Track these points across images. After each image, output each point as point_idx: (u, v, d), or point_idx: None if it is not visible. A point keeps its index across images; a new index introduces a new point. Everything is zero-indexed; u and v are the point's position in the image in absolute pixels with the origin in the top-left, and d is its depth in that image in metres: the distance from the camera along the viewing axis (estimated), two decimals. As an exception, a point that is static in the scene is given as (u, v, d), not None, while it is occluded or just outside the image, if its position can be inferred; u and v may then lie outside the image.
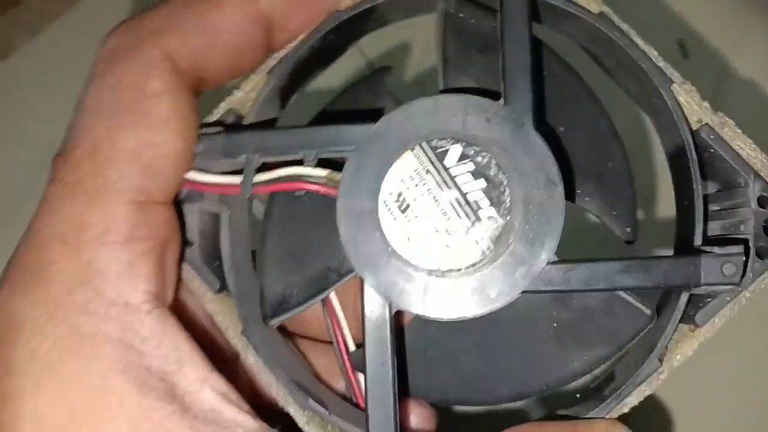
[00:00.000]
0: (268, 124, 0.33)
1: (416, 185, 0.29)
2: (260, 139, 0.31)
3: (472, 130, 0.29)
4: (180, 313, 0.32)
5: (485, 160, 0.29)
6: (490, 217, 0.29)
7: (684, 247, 0.31)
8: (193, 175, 0.31)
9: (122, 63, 0.30)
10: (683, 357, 0.30)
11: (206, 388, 0.29)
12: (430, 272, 0.29)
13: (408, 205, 0.29)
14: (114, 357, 0.28)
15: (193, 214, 0.33)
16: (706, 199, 0.30)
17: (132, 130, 0.29)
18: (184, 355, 0.29)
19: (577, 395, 0.34)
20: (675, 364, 0.30)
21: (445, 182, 0.29)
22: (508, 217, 0.29)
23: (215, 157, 0.31)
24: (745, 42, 0.54)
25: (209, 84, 0.32)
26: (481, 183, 0.29)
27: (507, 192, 0.29)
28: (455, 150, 0.29)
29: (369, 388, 0.30)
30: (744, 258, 0.28)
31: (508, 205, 0.29)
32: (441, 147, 0.29)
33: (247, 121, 0.33)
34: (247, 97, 0.34)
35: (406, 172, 0.29)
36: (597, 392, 0.32)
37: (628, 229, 0.33)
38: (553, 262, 0.28)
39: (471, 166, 0.29)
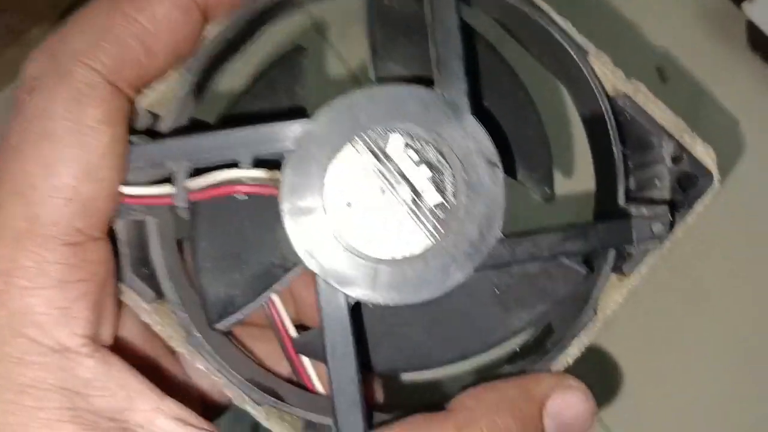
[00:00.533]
0: (195, 127, 0.31)
1: (361, 178, 0.29)
2: (190, 145, 0.30)
3: (411, 120, 0.29)
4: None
5: (427, 148, 0.29)
6: (436, 203, 0.30)
7: (607, 206, 0.33)
8: (121, 189, 0.30)
9: (49, 92, 0.26)
10: (615, 304, 0.33)
11: (160, 417, 0.28)
12: (382, 261, 0.30)
13: (354, 198, 0.29)
14: (60, 405, 0.26)
15: (119, 226, 0.31)
16: (626, 159, 0.33)
17: (68, 168, 0.26)
18: (133, 390, 0.28)
19: (518, 350, 0.36)
20: (608, 313, 0.33)
21: (389, 172, 0.29)
22: (454, 201, 0.30)
23: (142, 167, 0.30)
24: (722, 68, 0.57)
25: (148, 84, 0.30)
26: (425, 170, 0.30)
27: (450, 177, 0.30)
28: (396, 140, 0.29)
29: (333, 380, 0.30)
30: (670, 217, 0.31)
31: (452, 189, 0.30)
32: (382, 138, 0.29)
33: (165, 121, 0.32)
34: (162, 96, 0.32)
35: (348, 166, 0.29)
36: (538, 346, 0.35)
37: (547, 190, 0.35)
38: (501, 239, 0.30)
39: (413, 155, 0.29)
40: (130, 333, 0.34)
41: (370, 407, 0.31)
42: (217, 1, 0.30)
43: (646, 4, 0.59)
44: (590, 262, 0.34)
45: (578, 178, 0.46)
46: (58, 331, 0.26)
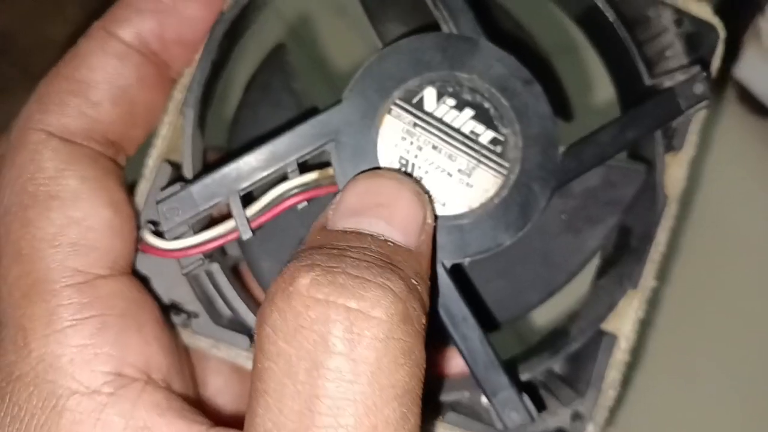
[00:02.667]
0: (227, 158, 0.30)
1: (411, 143, 0.28)
2: (233, 171, 0.28)
3: (435, 68, 0.28)
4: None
5: (460, 90, 0.29)
6: (491, 139, 0.29)
7: (633, 94, 0.33)
8: (175, 244, 0.28)
9: (12, 157, 0.27)
10: (679, 181, 0.33)
11: None
12: (463, 216, 0.29)
13: (413, 165, 0.28)
14: None
15: (184, 285, 0.30)
16: (637, 41, 0.32)
17: (45, 217, 0.27)
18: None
19: (599, 264, 0.36)
20: (677, 192, 0.33)
21: (435, 127, 0.28)
22: (506, 131, 0.29)
23: (189, 212, 0.28)
24: (714, 120, 0.57)
25: (131, 142, 0.30)
26: (468, 112, 0.29)
27: (493, 109, 0.29)
28: (429, 93, 0.28)
29: (465, 351, 0.29)
30: (705, 73, 0.30)
31: (500, 121, 0.29)
32: (415, 96, 0.28)
33: (186, 165, 0.30)
34: (170, 142, 0.30)
35: (394, 135, 0.28)
36: (623, 249, 0.34)
37: (566, 110, 0.35)
38: (565, 152, 0.29)
39: (451, 101, 0.28)
40: (226, 393, 0.32)
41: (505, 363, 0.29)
42: (158, 39, 0.29)
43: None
44: (636, 156, 0.34)
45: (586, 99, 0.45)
46: (80, 371, 0.26)
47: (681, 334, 0.48)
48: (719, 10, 0.32)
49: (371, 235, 0.25)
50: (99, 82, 0.28)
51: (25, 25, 0.49)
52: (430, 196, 0.28)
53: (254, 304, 0.32)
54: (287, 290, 0.23)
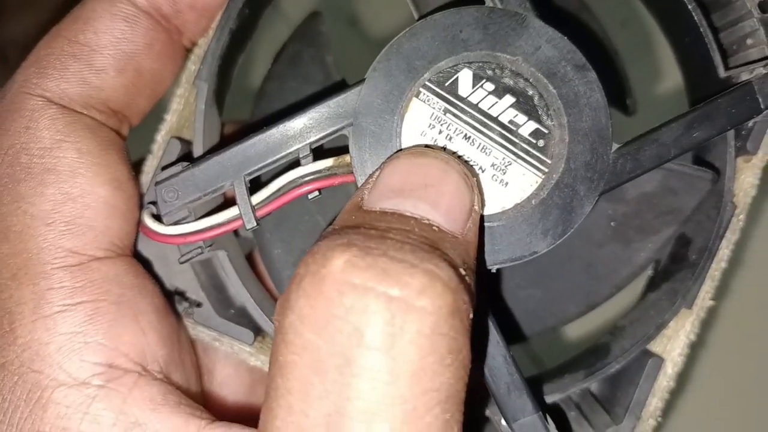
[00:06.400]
0: (236, 137, 0.27)
1: (439, 132, 0.25)
2: (239, 155, 0.25)
3: (474, 46, 0.25)
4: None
5: (501, 73, 0.25)
6: (533, 131, 0.25)
7: (704, 87, 0.29)
8: (172, 230, 0.25)
9: (4, 123, 0.25)
10: (750, 189, 0.29)
11: None
12: (493, 217, 0.25)
13: (441, 157, 0.25)
14: None
15: (188, 271, 0.27)
16: (713, 27, 0.28)
17: (39, 193, 0.25)
18: (149, 429, 0.24)
19: (651, 275, 0.32)
20: (747, 200, 0.29)
21: (468, 114, 0.25)
22: (551, 123, 0.25)
23: (189, 197, 0.25)
24: None
25: (135, 112, 0.27)
26: (508, 99, 0.25)
27: (538, 97, 0.25)
28: (465, 75, 0.25)
29: (484, 367, 0.26)
30: None
31: (545, 110, 0.25)
32: (448, 78, 0.25)
33: (197, 143, 0.27)
34: (181, 117, 0.28)
35: (421, 122, 0.25)
36: (680, 261, 0.30)
37: (628, 102, 0.31)
38: (618, 150, 0.25)
39: (489, 86, 0.25)
40: (234, 383, 0.30)
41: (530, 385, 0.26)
42: (171, 2, 0.27)
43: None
44: (701, 159, 0.30)
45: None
46: (69, 361, 0.24)
47: (736, 357, 0.43)
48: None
49: (414, 218, 0.22)
50: (104, 46, 0.26)
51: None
52: (478, 181, 0.25)
53: (264, 295, 0.29)
54: (319, 273, 0.20)
